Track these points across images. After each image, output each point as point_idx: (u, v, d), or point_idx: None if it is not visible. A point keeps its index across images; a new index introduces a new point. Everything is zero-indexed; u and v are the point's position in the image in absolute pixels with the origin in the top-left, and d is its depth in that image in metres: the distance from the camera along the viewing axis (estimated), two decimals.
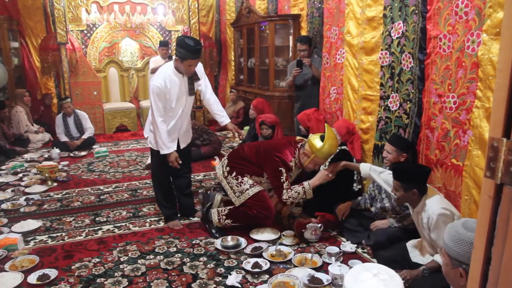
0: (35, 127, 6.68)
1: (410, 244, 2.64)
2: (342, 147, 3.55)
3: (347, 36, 3.81)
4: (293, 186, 3.07)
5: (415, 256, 2.54)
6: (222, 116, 3.53)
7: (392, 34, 3.29)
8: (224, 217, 3.26)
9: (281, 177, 3.05)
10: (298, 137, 3.36)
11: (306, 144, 3.07)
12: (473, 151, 2.53)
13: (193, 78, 3.34)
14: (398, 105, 3.29)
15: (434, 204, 2.32)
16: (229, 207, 3.29)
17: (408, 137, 3.19)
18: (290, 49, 5.71)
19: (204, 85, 3.51)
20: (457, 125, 2.68)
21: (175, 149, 3.28)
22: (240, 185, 3.20)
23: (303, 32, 5.28)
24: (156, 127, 3.20)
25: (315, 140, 2.97)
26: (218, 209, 3.34)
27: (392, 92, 3.35)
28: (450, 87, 2.72)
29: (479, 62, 2.44)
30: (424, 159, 3.03)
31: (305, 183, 3.05)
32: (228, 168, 3.30)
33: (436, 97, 2.86)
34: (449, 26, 2.70)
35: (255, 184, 3.20)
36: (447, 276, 1.58)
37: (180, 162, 3.30)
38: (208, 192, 3.58)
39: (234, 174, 3.25)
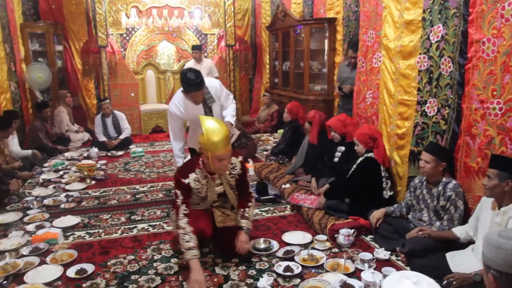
0: (75, 127, 6.94)
1: (450, 255, 2.55)
2: (368, 155, 3.47)
3: (384, 39, 3.74)
4: (183, 224, 2.67)
5: (456, 266, 2.45)
6: (225, 116, 3.64)
7: (431, 38, 3.21)
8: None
9: (177, 200, 2.75)
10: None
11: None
12: None
13: (208, 102, 3.46)
14: (436, 110, 3.20)
15: None
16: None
17: (446, 143, 3.08)
18: (325, 52, 5.67)
19: (219, 106, 3.63)
20: (503, 132, 2.57)
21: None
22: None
23: (339, 36, 5.24)
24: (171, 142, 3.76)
25: (199, 137, 2.72)
26: None
27: (430, 97, 3.26)
28: (494, 92, 2.62)
29: None
30: (463, 167, 2.92)
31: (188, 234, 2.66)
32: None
33: (478, 103, 2.75)
34: (494, 29, 2.60)
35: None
36: (485, 284, 1.54)
37: None
38: None
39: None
